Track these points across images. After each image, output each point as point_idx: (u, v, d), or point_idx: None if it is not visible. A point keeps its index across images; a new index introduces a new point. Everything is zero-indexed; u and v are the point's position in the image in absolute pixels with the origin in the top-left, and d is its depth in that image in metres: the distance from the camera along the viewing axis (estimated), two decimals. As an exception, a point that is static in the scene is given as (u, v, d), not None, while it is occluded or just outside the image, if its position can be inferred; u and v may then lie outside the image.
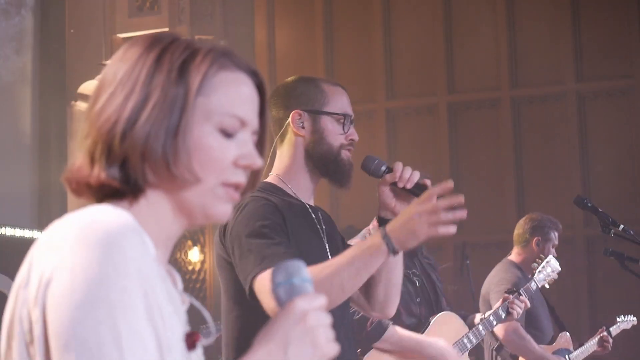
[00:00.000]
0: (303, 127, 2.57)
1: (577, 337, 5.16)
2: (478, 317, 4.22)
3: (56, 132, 6.92)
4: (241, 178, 1.30)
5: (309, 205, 2.58)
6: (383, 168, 2.51)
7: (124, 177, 1.25)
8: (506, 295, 4.20)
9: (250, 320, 2.42)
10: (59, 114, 6.98)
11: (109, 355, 1.11)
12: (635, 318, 4.96)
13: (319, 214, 2.61)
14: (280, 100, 2.62)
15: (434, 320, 3.99)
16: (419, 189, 2.45)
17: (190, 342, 1.25)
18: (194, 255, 7.69)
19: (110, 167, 1.25)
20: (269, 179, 2.61)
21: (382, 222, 2.54)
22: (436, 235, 2.29)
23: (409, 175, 2.46)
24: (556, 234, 4.95)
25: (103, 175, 1.25)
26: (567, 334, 4.90)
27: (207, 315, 1.39)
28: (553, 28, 7.48)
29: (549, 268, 4.61)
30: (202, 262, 7.70)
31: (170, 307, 1.22)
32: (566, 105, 7.41)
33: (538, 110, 7.48)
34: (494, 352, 4.83)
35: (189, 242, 7.62)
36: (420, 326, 3.94)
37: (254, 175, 1.37)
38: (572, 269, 7.08)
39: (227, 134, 1.29)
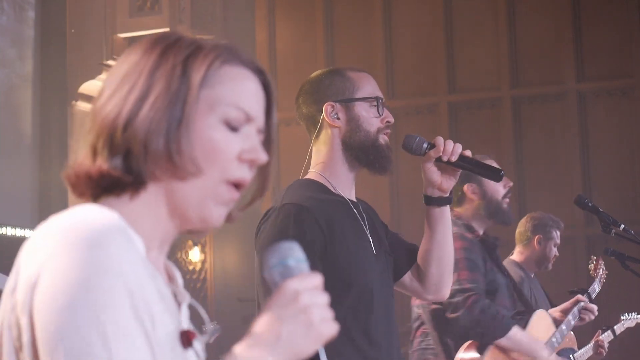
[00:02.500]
0: (338, 118, 2.54)
1: (578, 337, 5.16)
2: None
3: (57, 132, 6.91)
4: (245, 174, 1.29)
5: (349, 200, 2.55)
6: (425, 145, 2.50)
7: (126, 168, 1.24)
8: (580, 296, 4.25)
9: None
10: (59, 113, 6.98)
11: (98, 356, 1.09)
12: (639, 316, 4.95)
13: (360, 208, 2.58)
14: (308, 96, 2.59)
15: (533, 317, 4.00)
16: (463, 161, 2.46)
17: (185, 339, 1.23)
18: (195, 255, 7.69)
19: (113, 158, 1.24)
20: (309, 175, 2.58)
21: (429, 200, 2.54)
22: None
23: (452, 148, 2.45)
24: (558, 232, 4.95)
25: (105, 165, 1.24)
26: (572, 332, 4.91)
27: (203, 313, 1.38)
28: (554, 28, 7.47)
29: (601, 269, 4.62)
30: (203, 262, 7.70)
31: (161, 305, 1.20)
32: (567, 105, 7.40)
33: (539, 110, 7.48)
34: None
35: (190, 242, 7.62)
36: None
37: (263, 178, 1.36)
38: (573, 269, 7.07)
39: (232, 127, 1.27)
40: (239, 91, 1.30)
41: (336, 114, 2.55)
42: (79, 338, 1.10)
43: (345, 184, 2.56)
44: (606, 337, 4.87)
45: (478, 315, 3.67)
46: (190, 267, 7.69)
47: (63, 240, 1.15)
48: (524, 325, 3.93)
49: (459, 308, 3.70)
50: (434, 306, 3.86)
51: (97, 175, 1.25)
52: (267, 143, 1.35)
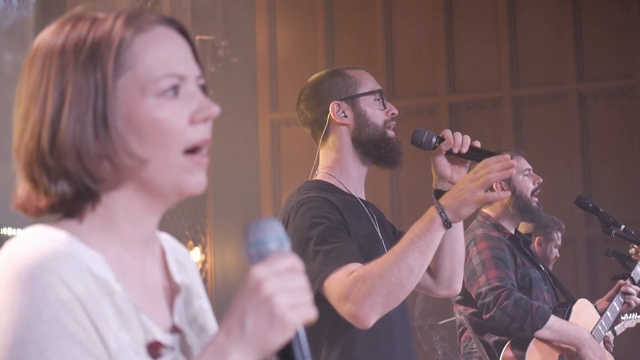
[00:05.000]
0: (345, 116, 2.54)
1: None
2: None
3: (57, 132, 6.91)
4: (203, 134, 1.20)
5: (361, 199, 2.55)
6: (434, 139, 2.49)
7: (74, 189, 1.17)
8: (621, 281, 4.23)
9: (314, 325, 2.35)
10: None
11: None
12: (639, 316, 4.95)
13: (370, 209, 2.58)
14: (311, 100, 2.59)
15: (575, 307, 3.97)
16: (474, 152, 2.46)
17: (153, 351, 1.19)
18: (195, 255, 7.68)
19: (56, 183, 1.17)
20: (319, 177, 2.57)
21: (439, 194, 2.52)
22: (486, 200, 2.32)
23: (462, 139, 2.45)
24: (559, 234, 4.94)
25: (50, 195, 1.17)
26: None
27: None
28: (554, 28, 7.47)
29: None
30: (204, 263, 7.70)
31: (117, 322, 1.15)
32: (567, 105, 7.40)
33: (539, 110, 7.48)
34: None
35: (190, 243, 7.62)
36: (555, 313, 3.89)
37: None
38: (573, 269, 7.07)
39: (170, 96, 1.19)
40: (161, 57, 1.19)
41: (343, 112, 2.55)
42: None
43: (356, 182, 2.56)
44: (609, 335, 4.86)
45: (512, 310, 3.66)
46: (191, 268, 7.69)
47: (3, 275, 1.12)
48: (566, 316, 3.91)
49: (492, 307, 3.69)
50: (471, 310, 3.86)
51: (48, 209, 1.19)
52: (204, 87, 1.25)
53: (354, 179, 2.56)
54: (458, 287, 2.62)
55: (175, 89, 1.19)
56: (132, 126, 1.17)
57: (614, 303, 4.16)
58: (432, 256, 2.29)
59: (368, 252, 2.39)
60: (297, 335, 1.11)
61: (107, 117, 1.16)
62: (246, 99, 7.53)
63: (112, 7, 7.80)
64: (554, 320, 3.73)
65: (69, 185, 1.16)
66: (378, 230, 2.54)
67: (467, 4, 7.64)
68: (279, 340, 1.09)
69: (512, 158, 4.07)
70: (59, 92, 1.16)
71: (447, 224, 2.26)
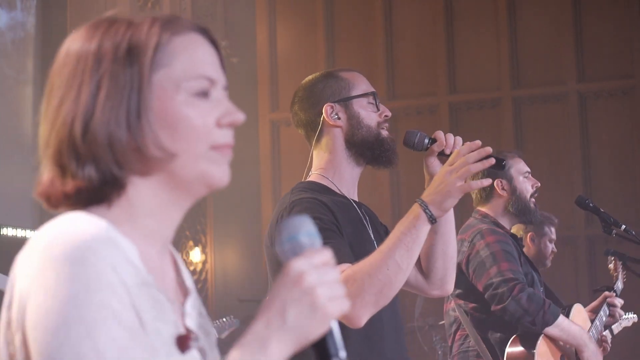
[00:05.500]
0: (339, 118, 2.56)
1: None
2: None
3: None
4: (229, 138, 1.26)
5: (353, 201, 2.56)
6: (426, 140, 2.53)
7: (101, 175, 1.20)
8: (607, 293, 4.25)
9: None
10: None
11: None
12: (635, 315, 4.95)
13: (363, 210, 2.59)
14: (304, 102, 2.61)
15: (573, 310, 3.99)
16: None
17: (182, 343, 1.21)
18: (196, 255, 7.68)
19: (84, 168, 1.20)
20: (312, 178, 2.59)
21: None
22: (469, 189, 2.33)
23: (454, 141, 2.48)
24: (552, 228, 4.93)
25: (78, 179, 1.20)
26: None
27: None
28: (554, 28, 7.47)
29: (620, 267, 4.62)
30: (204, 263, 7.69)
31: (153, 312, 1.17)
32: (567, 106, 7.40)
33: (539, 110, 7.48)
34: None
35: (190, 243, 7.61)
36: None
37: None
38: (574, 269, 7.07)
39: (202, 96, 1.24)
40: (196, 59, 1.25)
41: (336, 114, 2.56)
42: (75, 355, 1.08)
43: (349, 184, 2.57)
44: (607, 335, 4.87)
45: (526, 303, 3.65)
46: (191, 268, 7.68)
47: (49, 257, 1.12)
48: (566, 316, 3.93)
49: (505, 298, 3.67)
50: (472, 305, 3.85)
51: (74, 192, 1.21)
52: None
53: (347, 180, 2.57)
54: (450, 287, 2.64)
55: (206, 90, 1.24)
56: (163, 120, 1.21)
57: (601, 313, 4.19)
58: (418, 253, 2.31)
59: (360, 253, 2.39)
60: (331, 327, 1.16)
61: (140, 110, 1.20)
62: (246, 99, 7.53)
63: (112, 7, 7.80)
64: (562, 319, 3.74)
65: (96, 170, 1.19)
66: (370, 231, 2.55)
67: (467, 4, 7.64)
68: (318, 330, 1.14)
69: (513, 158, 4.09)
70: (95, 83, 1.20)
71: (432, 219, 2.28)
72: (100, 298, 1.10)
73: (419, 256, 2.63)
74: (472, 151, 2.30)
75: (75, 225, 1.16)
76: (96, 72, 1.20)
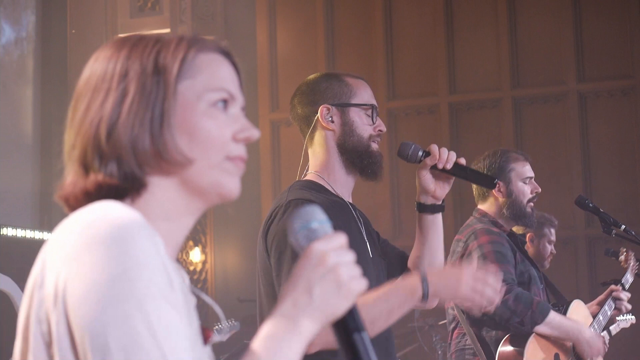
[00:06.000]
0: (332, 121, 2.57)
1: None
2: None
3: (57, 133, 6.89)
4: (242, 152, 1.33)
5: (348, 202, 2.57)
6: (420, 153, 2.52)
7: (122, 174, 1.25)
8: (614, 286, 4.24)
9: None
10: (60, 114, 6.96)
11: (146, 347, 1.10)
12: (633, 317, 4.96)
13: (357, 212, 2.60)
14: (305, 97, 2.62)
15: (571, 306, 3.99)
16: (457, 169, 2.48)
17: (205, 336, 1.26)
18: (195, 255, 7.69)
19: (107, 165, 1.25)
20: (309, 177, 2.60)
21: (422, 208, 2.55)
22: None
23: (447, 156, 2.47)
24: (552, 229, 4.93)
25: (100, 176, 1.25)
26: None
27: (219, 311, 1.39)
28: (554, 28, 7.47)
29: (632, 259, 4.61)
30: (204, 263, 7.70)
31: (183, 301, 1.22)
32: (567, 106, 7.40)
33: (539, 110, 7.48)
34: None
35: (190, 243, 7.62)
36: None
37: None
38: (573, 269, 7.07)
39: (221, 109, 1.31)
40: (219, 75, 1.33)
41: (331, 117, 2.57)
42: (126, 330, 1.11)
43: (344, 187, 2.58)
44: (604, 335, 4.87)
45: (513, 304, 3.66)
46: (191, 268, 7.69)
47: (92, 236, 1.15)
48: (563, 313, 3.92)
49: None
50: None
51: (95, 188, 1.25)
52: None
53: (342, 182, 2.58)
54: (435, 300, 2.64)
55: (225, 103, 1.32)
56: (183, 128, 1.28)
57: (606, 307, 4.18)
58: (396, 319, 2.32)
59: (356, 255, 2.39)
60: (353, 306, 1.23)
61: (163, 117, 1.26)
62: (246, 99, 7.51)
63: (112, 8, 7.81)
64: (553, 316, 3.73)
65: (118, 169, 1.25)
66: (364, 234, 2.56)
67: (467, 4, 7.65)
68: (343, 306, 1.21)
69: (516, 161, 4.07)
70: (121, 90, 1.27)
71: (426, 297, 2.29)
72: (150, 275, 1.14)
73: (406, 267, 2.65)
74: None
75: (113, 210, 1.19)
76: (123, 80, 1.27)
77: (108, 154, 1.25)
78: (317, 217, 1.26)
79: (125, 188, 1.26)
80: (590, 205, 4.20)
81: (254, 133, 1.33)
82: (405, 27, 7.76)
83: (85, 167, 1.26)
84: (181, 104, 1.28)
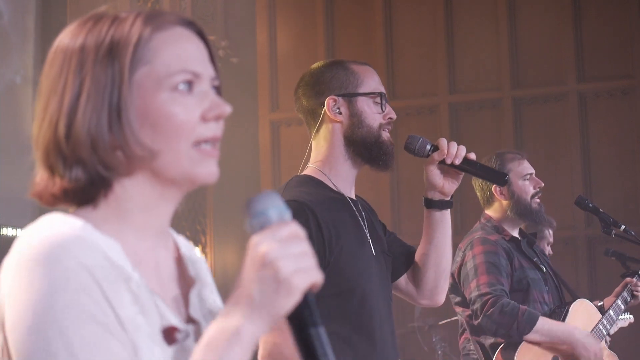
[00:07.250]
0: (340, 113, 2.46)
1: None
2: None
3: (57, 132, 6.89)
4: (215, 131, 1.25)
5: (349, 198, 2.48)
6: (428, 147, 2.45)
7: (88, 176, 1.21)
8: (628, 279, 4.21)
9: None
10: (60, 114, 6.96)
11: None
12: (631, 316, 4.95)
13: (359, 206, 2.51)
14: (309, 89, 2.51)
15: (571, 307, 3.93)
16: (466, 164, 2.41)
17: (169, 336, 1.21)
18: (195, 255, 7.68)
19: (71, 169, 1.21)
20: (308, 171, 2.50)
21: (430, 203, 2.49)
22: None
23: (456, 150, 2.40)
24: (550, 231, 4.92)
25: (65, 180, 1.21)
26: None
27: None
28: (554, 28, 7.47)
29: None
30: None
31: (134, 308, 1.18)
32: (567, 106, 7.40)
33: (539, 110, 7.48)
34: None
35: (190, 243, 7.61)
36: (552, 315, 3.87)
37: None
38: (573, 269, 7.07)
39: (185, 92, 1.23)
40: (178, 54, 1.24)
41: (338, 108, 2.47)
42: (47, 356, 1.09)
43: (346, 181, 2.49)
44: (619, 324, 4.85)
45: (497, 317, 3.64)
46: (191, 268, 7.69)
47: (23, 259, 1.14)
48: (563, 316, 3.89)
49: (479, 314, 3.68)
50: (467, 312, 3.85)
51: (62, 193, 1.22)
52: (218, 89, 1.29)
53: (344, 178, 2.48)
54: (440, 299, 2.59)
55: (189, 85, 1.23)
56: (145, 119, 1.21)
57: (619, 301, 4.14)
58: None
59: (356, 253, 2.35)
60: (306, 299, 1.13)
61: (121, 110, 1.20)
62: (246, 99, 7.52)
63: (112, 8, 7.80)
64: (542, 323, 3.69)
65: (83, 172, 1.20)
66: (366, 230, 2.48)
67: (467, 4, 7.64)
68: (286, 305, 1.11)
69: (512, 161, 4.06)
70: (77, 84, 1.21)
71: None
72: (71, 297, 1.11)
73: (412, 263, 2.59)
74: None
75: (49, 227, 1.17)
76: (79, 72, 1.22)
77: (70, 155, 1.20)
78: (275, 203, 1.15)
79: (93, 189, 1.22)
80: (590, 205, 4.20)
81: (225, 109, 1.24)
82: (405, 27, 7.75)
83: (51, 169, 1.23)
84: (140, 94, 1.21)
